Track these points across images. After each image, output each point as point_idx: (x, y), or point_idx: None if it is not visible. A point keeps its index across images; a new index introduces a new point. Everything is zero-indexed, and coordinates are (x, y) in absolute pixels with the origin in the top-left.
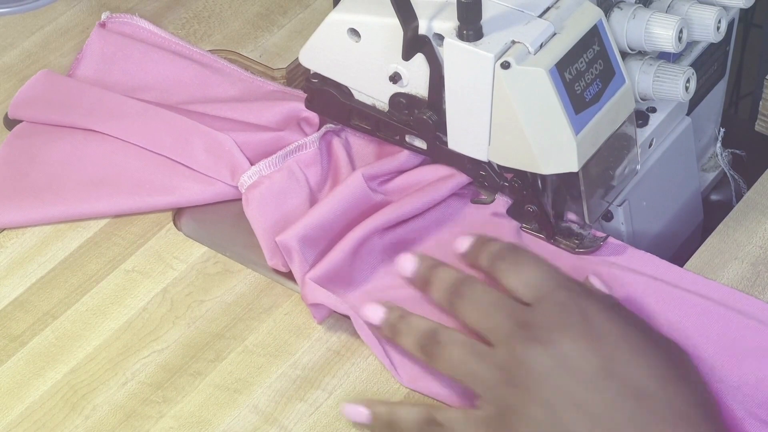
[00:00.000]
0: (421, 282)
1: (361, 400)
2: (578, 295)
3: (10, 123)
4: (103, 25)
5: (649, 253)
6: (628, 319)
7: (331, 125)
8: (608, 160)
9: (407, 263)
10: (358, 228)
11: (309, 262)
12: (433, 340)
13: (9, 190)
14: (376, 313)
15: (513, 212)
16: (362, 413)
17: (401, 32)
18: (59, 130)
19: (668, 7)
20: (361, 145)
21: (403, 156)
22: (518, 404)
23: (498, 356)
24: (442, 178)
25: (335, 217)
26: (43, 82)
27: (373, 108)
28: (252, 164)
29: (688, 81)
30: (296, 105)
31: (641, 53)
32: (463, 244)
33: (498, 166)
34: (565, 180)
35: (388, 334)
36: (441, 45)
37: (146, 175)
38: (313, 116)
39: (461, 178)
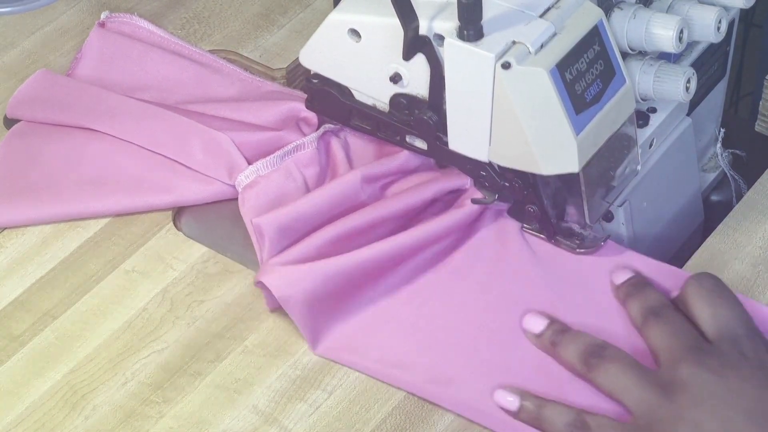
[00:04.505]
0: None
1: (515, 390)
2: (765, 350)
3: (10, 123)
4: (102, 24)
5: (647, 257)
6: None
7: (329, 125)
8: (609, 160)
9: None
10: (333, 225)
11: (277, 250)
12: (597, 353)
13: (8, 189)
14: (536, 321)
15: (513, 212)
16: (511, 401)
17: (401, 32)
18: (58, 129)
19: (668, 7)
20: (361, 145)
21: (403, 156)
22: (667, 419)
23: (661, 376)
24: (426, 181)
25: (317, 211)
26: (41, 81)
27: (373, 108)
28: (250, 164)
29: (688, 81)
30: (295, 105)
31: (642, 53)
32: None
33: (498, 166)
34: (566, 180)
35: (548, 347)
36: (441, 45)
37: (145, 174)
38: (312, 116)
39: (447, 183)
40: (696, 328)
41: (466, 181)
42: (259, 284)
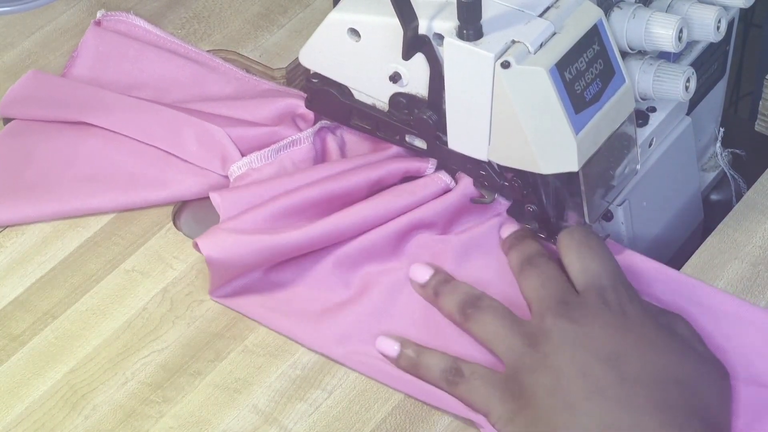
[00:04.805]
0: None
1: (396, 337)
2: (628, 300)
3: (6, 122)
4: (98, 23)
5: (646, 257)
6: (669, 334)
7: (326, 121)
8: (608, 159)
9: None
10: (284, 197)
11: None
12: (474, 304)
13: (4, 188)
14: (421, 271)
15: (513, 212)
16: (392, 348)
17: (401, 32)
18: (51, 127)
19: (668, 6)
20: (356, 142)
21: (392, 152)
22: (531, 366)
23: (530, 326)
24: (386, 160)
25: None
26: (32, 80)
27: (373, 108)
28: (243, 156)
29: (688, 81)
30: (292, 101)
31: (641, 53)
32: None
33: (498, 165)
34: (565, 180)
35: (431, 297)
36: (441, 45)
37: (140, 169)
38: (309, 113)
39: (406, 164)
40: (569, 279)
41: (426, 165)
42: (195, 246)
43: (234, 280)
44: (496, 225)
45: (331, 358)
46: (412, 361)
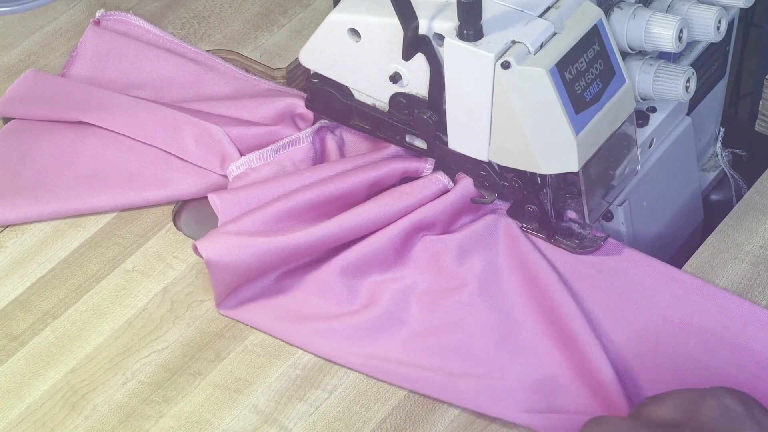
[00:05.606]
0: None
1: None
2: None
3: (5, 122)
4: (97, 22)
5: (647, 255)
6: None
7: (325, 121)
8: (608, 159)
9: None
10: (284, 199)
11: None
12: None
13: (3, 188)
14: None
15: (513, 212)
16: None
17: (401, 32)
18: (51, 126)
19: (668, 6)
20: (355, 141)
21: (391, 150)
22: None
23: None
24: (384, 160)
25: (280, 193)
26: (31, 80)
27: (373, 108)
28: (242, 155)
29: (688, 81)
30: (291, 101)
31: (641, 53)
32: None
33: (498, 166)
34: (566, 180)
35: None
36: (441, 45)
37: (139, 168)
38: (308, 112)
39: (404, 164)
40: None
41: (424, 165)
42: (195, 250)
43: (239, 291)
44: (493, 220)
45: (347, 367)
46: None
